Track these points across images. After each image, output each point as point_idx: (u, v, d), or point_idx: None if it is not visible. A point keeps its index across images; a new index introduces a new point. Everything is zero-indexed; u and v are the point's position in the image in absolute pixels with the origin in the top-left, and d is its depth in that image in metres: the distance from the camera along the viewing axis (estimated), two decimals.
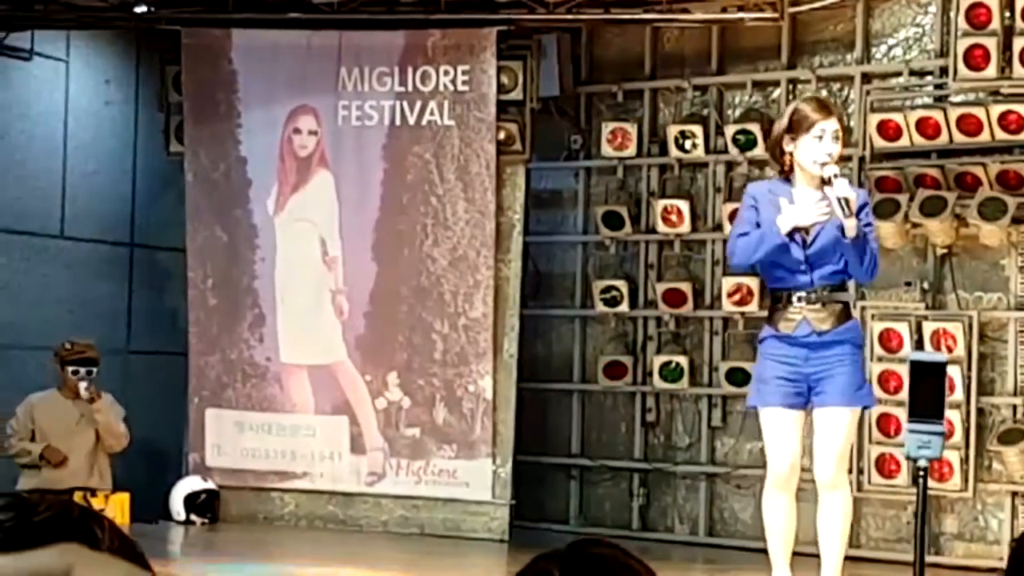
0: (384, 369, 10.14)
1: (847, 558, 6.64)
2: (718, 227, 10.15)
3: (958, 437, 8.94)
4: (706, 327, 10.27)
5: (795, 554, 6.58)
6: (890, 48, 9.79)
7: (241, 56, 10.35)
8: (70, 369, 9.66)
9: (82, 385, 9.60)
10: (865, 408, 6.59)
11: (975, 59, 8.94)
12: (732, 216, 9.96)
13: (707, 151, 10.20)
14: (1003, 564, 2.37)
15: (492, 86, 9.94)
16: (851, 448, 6.71)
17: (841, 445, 6.35)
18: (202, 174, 10.45)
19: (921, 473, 5.66)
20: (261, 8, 10.31)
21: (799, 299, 6.34)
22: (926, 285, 9.34)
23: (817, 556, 6.56)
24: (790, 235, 6.29)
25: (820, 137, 6.35)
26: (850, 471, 9.21)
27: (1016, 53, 8.86)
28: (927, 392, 5.65)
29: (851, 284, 7.08)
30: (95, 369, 9.70)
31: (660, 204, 10.26)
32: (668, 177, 10.46)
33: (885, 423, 9.10)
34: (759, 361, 6.60)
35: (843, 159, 7.65)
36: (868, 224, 6.34)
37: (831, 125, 6.40)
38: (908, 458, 5.80)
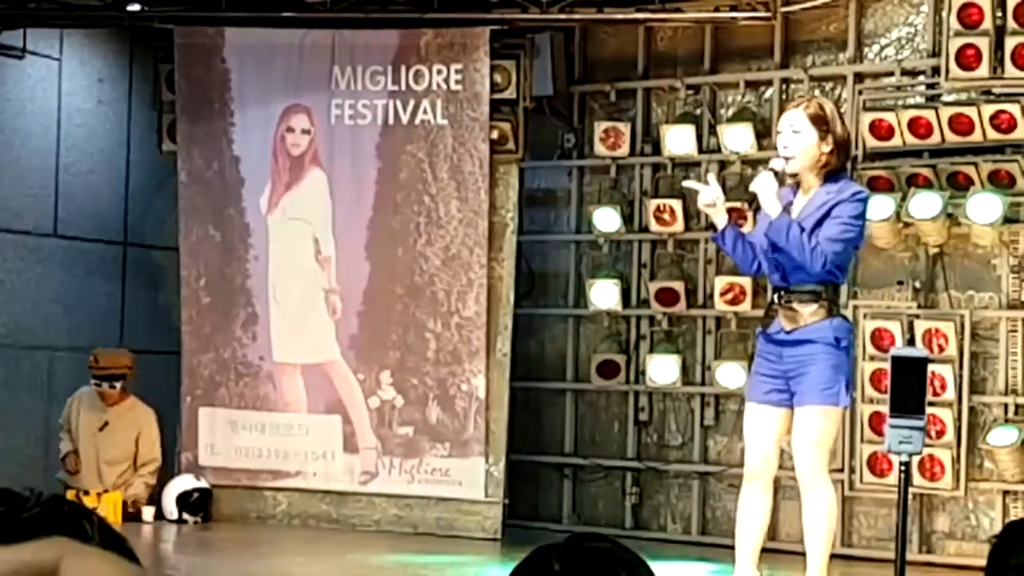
0: (377, 368, 10.15)
1: (839, 556, 6.66)
2: (711, 226, 10.13)
3: (949, 436, 8.96)
4: (699, 326, 10.29)
5: (786, 552, 6.59)
6: (882, 48, 9.81)
7: (234, 55, 10.35)
8: (93, 381, 10.05)
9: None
10: (844, 408, 6.54)
11: (967, 59, 8.95)
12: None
13: (700, 150, 10.21)
14: None
15: (485, 85, 9.94)
16: (830, 447, 6.60)
17: (810, 445, 6.29)
18: (195, 173, 10.45)
19: (903, 468, 5.69)
20: (254, 7, 10.32)
21: (777, 297, 6.39)
22: (918, 284, 9.36)
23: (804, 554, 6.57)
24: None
25: (780, 132, 6.39)
26: (840, 470, 9.26)
27: (1008, 53, 8.87)
28: (908, 387, 5.68)
29: (842, 285, 7.00)
30: (118, 383, 10.03)
31: (653, 203, 10.28)
32: (661, 176, 10.47)
33: (876, 422, 9.09)
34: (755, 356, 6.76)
35: None
36: (837, 217, 6.28)
37: (787, 118, 6.39)
38: (889, 452, 5.81)
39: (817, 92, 9.81)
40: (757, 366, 6.52)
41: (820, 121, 6.33)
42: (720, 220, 6.44)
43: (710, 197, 6.45)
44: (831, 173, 6.37)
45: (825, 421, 6.32)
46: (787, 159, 6.29)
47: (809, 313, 6.29)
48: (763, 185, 6.24)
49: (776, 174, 6.27)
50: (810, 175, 6.34)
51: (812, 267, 6.21)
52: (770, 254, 6.33)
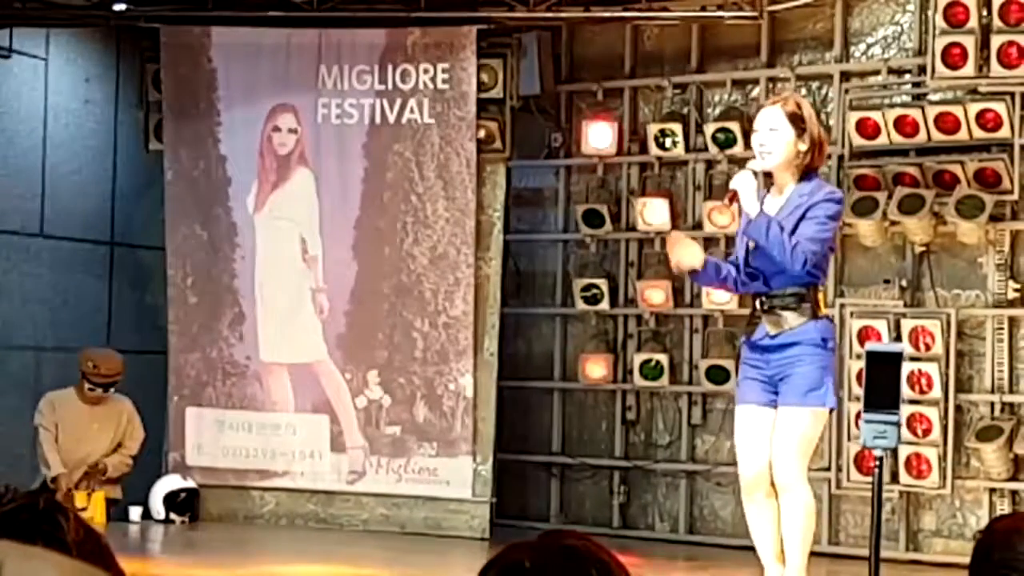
0: (364, 367, 10.14)
1: (826, 554, 6.65)
2: (698, 225, 10.16)
3: (936, 434, 8.97)
4: (686, 325, 10.29)
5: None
6: (869, 46, 9.82)
7: (221, 54, 10.34)
8: (89, 387, 9.71)
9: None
10: (832, 410, 6.49)
11: (953, 57, 8.97)
12: (712, 214, 10.03)
13: (687, 149, 10.22)
14: None
15: (472, 84, 9.94)
16: (811, 449, 6.46)
17: (790, 446, 6.19)
18: (182, 172, 10.44)
19: (878, 463, 5.69)
20: (241, 6, 10.30)
21: (760, 303, 6.35)
22: (904, 283, 9.38)
23: (814, 555, 6.55)
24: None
25: (757, 131, 6.37)
26: (827, 468, 9.27)
27: (994, 51, 8.89)
28: (883, 382, 5.68)
29: (826, 286, 6.97)
30: (112, 389, 9.76)
31: (640, 202, 10.29)
32: (648, 175, 10.48)
33: None
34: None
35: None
36: (813, 217, 6.24)
37: (765, 115, 6.37)
38: (864, 447, 5.81)
39: (803, 91, 9.83)
40: (744, 372, 6.45)
41: (797, 120, 6.31)
42: (698, 260, 6.38)
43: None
44: (805, 173, 6.36)
45: (808, 422, 6.22)
46: (764, 155, 6.29)
47: (793, 316, 6.26)
48: (743, 183, 6.24)
49: (755, 174, 6.26)
50: (785, 174, 6.32)
51: (793, 267, 6.17)
52: (750, 260, 6.31)
